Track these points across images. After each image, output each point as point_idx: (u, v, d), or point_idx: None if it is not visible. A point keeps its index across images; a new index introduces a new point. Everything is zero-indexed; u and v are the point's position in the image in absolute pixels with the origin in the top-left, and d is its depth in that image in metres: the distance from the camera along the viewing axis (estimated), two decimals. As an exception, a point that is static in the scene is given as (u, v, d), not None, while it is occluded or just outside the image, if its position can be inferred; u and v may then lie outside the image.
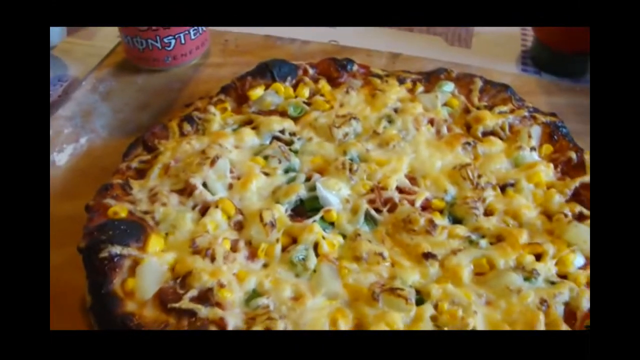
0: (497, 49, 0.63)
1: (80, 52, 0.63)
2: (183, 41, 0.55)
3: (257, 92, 0.48)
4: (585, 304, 0.36)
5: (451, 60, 0.59)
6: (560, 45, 0.58)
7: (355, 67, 0.51)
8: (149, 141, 0.45)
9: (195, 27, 0.55)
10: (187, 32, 0.55)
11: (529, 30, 0.64)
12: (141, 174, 0.43)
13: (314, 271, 0.37)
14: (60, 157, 0.49)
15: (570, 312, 0.36)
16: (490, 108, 0.47)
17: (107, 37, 0.65)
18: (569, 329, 0.34)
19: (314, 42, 0.61)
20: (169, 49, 0.55)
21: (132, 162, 0.44)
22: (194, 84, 0.56)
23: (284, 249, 0.38)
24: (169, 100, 0.55)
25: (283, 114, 0.47)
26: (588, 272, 0.37)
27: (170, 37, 0.54)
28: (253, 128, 0.45)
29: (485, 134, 0.46)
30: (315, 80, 0.50)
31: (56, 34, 0.58)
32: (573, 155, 0.44)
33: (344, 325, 0.34)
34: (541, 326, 0.34)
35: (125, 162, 0.44)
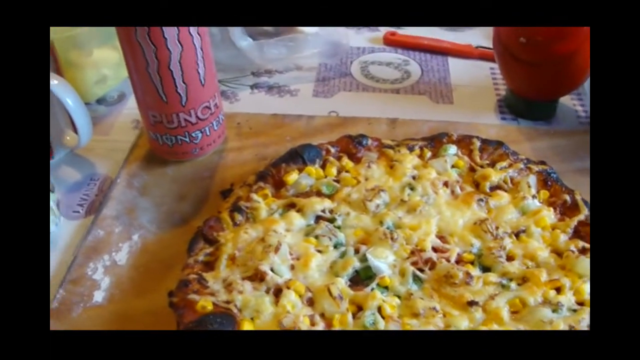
0: (476, 101, 0.72)
1: (101, 149, 0.68)
2: (208, 133, 0.61)
3: (293, 177, 0.55)
4: (603, 324, 0.44)
5: (441, 119, 0.67)
6: (530, 95, 0.67)
7: (369, 142, 0.58)
8: (208, 235, 0.51)
9: (217, 118, 0.62)
10: (211, 124, 0.61)
11: (500, 82, 0.74)
12: (209, 265, 0.49)
13: (384, 332, 0.44)
14: (120, 257, 0.54)
15: (593, 333, 0.44)
16: (492, 165, 0.56)
17: (123, 130, 0.70)
18: (597, 348, 0.42)
19: (318, 116, 0.69)
20: (196, 142, 0.61)
21: (198, 256, 0.49)
22: (222, 170, 0.62)
23: (353, 316, 0.45)
24: (204, 188, 0.60)
25: (318, 193, 0.54)
26: (600, 297, 0.46)
27: (197, 132, 0.60)
28: (297, 211, 0.52)
29: (492, 188, 0.54)
30: (338, 158, 0.57)
31: (85, 135, 0.62)
32: (567, 197, 0.53)
33: (421, 374, 0.41)
34: (575, 350, 0.42)
35: (192, 257, 0.49)
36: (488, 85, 0.75)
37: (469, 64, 0.79)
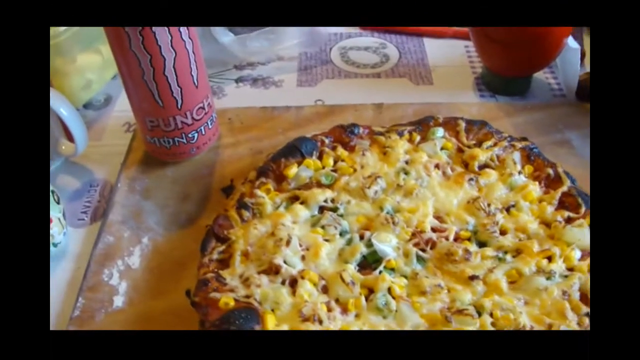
0: (454, 80, 0.75)
1: (96, 154, 0.69)
2: (204, 132, 0.63)
3: (293, 170, 0.57)
4: (591, 286, 0.48)
5: (423, 101, 0.70)
6: (506, 72, 0.71)
7: (360, 130, 0.61)
8: (219, 233, 0.53)
9: (211, 117, 0.63)
10: (205, 123, 0.63)
11: (475, 59, 0.77)
12: (223, 263, 0.51)
13: (396, 311, 0.47)
14: (133, 261, 0.56)
15: (583, 295, 0.48)
16: (478, 145, 0.59)
17: (115, 134, 0.72)
18: (588, 309, 0.47)
19: (306, 106, 0.71)
20: (193, 142, 0.63)
21: (212, 255, 0.52)
22: (220, 167, 0.64)
23: (365, 299, 0.48)
24: (205, 186, 0.62)
25: (318, 184, 0.57)
26: (587, 262, 0.50)
27: (193, 132, 0.62)
28: (301, 203, 0.55)
29: (480, 167, 0.58)
30: (333, 148, 0.60)
31: (81, 143, 0.63)
32: (550, 170, 0.57)
33: (434, 347, 0.45)
34: (569, 312, 0.46)
35: (206, 256, 0.52)
36: (464, 63, 0.78)
37: (444, 44, 0.82)
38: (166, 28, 0.54)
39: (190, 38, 0.56)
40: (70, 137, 0.64)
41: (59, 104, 0.61)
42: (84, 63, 0.73)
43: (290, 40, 0.78)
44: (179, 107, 0.59)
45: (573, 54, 0.67)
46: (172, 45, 0.55)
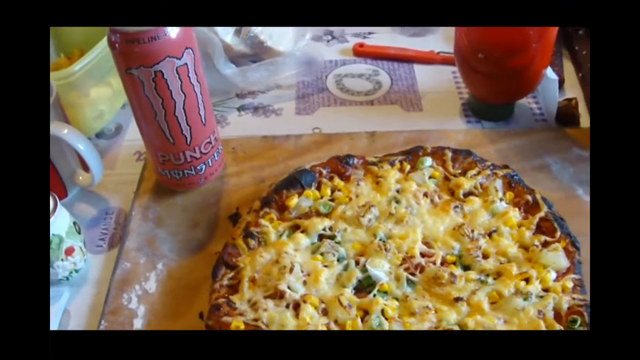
0: (443, 106, 0.80)
1: (110, 183, 0.74)
2: (210, 164, 0.69)
3: (294, 201, 0.62)
4: (564, 305, 0.53)
5: (414, 128, 0.76)
6: (490, 99, 0.76)
7: (355, 161, 0.66)
8: (228, 261, 0.58)
9: (217, 149, 0.69)
10: (212, 156, 0.68)
11: (462, 85, 0.82)
12: (233, 288, 0.57)
13: (389, 331, 0.53)
14: (150, 286, 0.61)
15: (557, 314, 0.53)
16: (463, 173, 0.65)
17: (127, 163, 0.77)
18: (561, 327, 0.52)
19: (304, 135, 0.76)
20: (201, 173, 0.68)
21: (222, 281, 0.57)
22: (226, 195, 0.70)
23: (361, 320, 0.53)
24: (213, 214, 0.68)
25: (317, 213, 0.62)
26: (560, 283, 0.55)
27: (201, 165, 0.67)
28: (302, 231, 0.60)
29: (465, 194, 0.63)
30: (330, 178, 0.65)
31: (97, 174, 0.68)
32: (529, 197, 0.62)
33: (423, 364, 0.50)
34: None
35: (217, 282, 0.57)
36: (452, 89, 0.83)
37: (433, 70, 0.87)
38: (176, 74, 0.59)
39: (198, 82, 0.61)
40: (86, 168, 0.69)
41: (76, 141, 0.66)
42: (96, 96, 0.78)
43: (289, 70, 0.83)
44: (188, 143, 0.64)
45: (551, 83, 0.72)
46: (181, 89, 0.60)
